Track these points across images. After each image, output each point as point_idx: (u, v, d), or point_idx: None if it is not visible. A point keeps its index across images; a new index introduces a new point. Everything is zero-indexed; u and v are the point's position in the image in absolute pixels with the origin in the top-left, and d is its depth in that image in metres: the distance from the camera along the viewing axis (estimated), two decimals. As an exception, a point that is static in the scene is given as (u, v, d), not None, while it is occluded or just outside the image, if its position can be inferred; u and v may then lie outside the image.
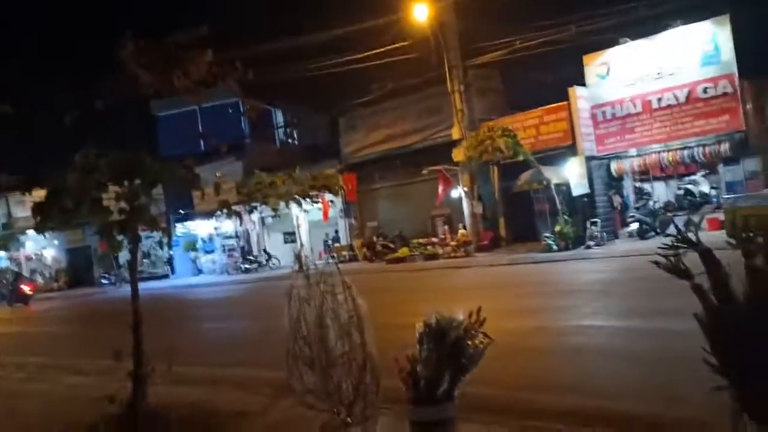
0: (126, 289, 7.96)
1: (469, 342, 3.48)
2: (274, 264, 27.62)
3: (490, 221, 23.15)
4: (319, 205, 25.17)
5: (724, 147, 17.86)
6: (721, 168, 18.69)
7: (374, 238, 24.86)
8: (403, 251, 22.36)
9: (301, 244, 26.95)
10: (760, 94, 18.67)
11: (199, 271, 30.50)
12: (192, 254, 31.02)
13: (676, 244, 2.62)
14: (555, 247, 18.32)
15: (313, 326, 3.36)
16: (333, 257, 23.10)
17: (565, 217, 18.66)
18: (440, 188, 22.74)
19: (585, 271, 13.80)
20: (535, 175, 19.49)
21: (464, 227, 22.10)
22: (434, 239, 22.98)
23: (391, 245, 23.71)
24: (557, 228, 18.64)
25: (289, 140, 37.70)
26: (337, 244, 27.53)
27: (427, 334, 3.54)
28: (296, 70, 23.91)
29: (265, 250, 28.76)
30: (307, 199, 23.60)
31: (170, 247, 29.38)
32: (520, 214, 21.98)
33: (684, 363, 2.74)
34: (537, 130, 20.76)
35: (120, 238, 4.47)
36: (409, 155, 24.76)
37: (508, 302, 10.08)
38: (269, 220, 29.02)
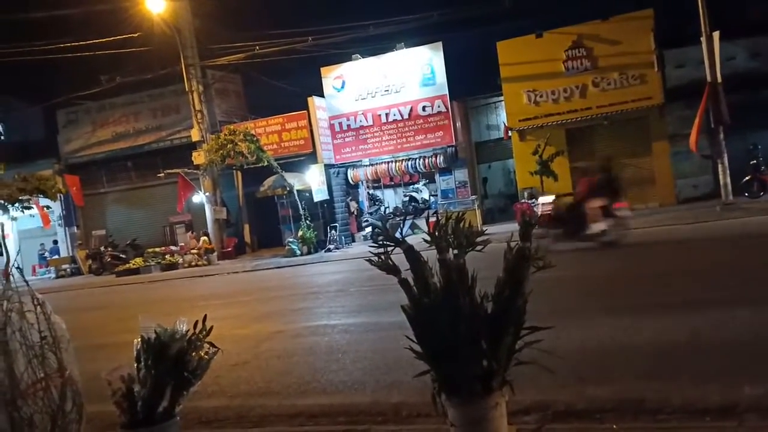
0: None
1: (194, 354, 3.29)
2: (-32, 283, 22.90)
3: (235, 227, 22.75)
4: (33, 211, 21.72)
5: (440, 159, 20.45)
6: (437, 177, 21.35)
7: (102, 249, 22.41)
8: (137, 261, 20.58)
9: (8, 258, 22.88)
10: (467, 114, 21.89)
11: None
12: None
13: (385, 242, 2.81)
14: (298, 252, 18.79)
15: (-5, 354, 2.78)
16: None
17: (308, 222, 19.28)
18: (180, 193, 21.55)
19: (325, 273, 14.42)
20: (279, 181, 19.77)
21: (206, 234, 21.29)
22: (173, 247, 21.69)
23: (122, 255, 21.64)
24: (300, 233, 19.16)
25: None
26: (55, 257, 24.10)
27: (146, 350, 3.23)
28: (4, 51, 20.26)
29: (-45, 267, 23.71)
30: (17, 205, 20.13)
31: None
32: (265, 220, 22.10)
33: (400, 352, 2.95)
34: (279, 137, 21.09)
35: None
36: (144, 156, 23.02)
37: (249, 308, 9.97)
38: (-38, 229, 24.01)
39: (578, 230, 10.78)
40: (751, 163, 16.09)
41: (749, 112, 15.72)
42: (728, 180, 14.96)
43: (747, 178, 16.08)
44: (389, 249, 2.81)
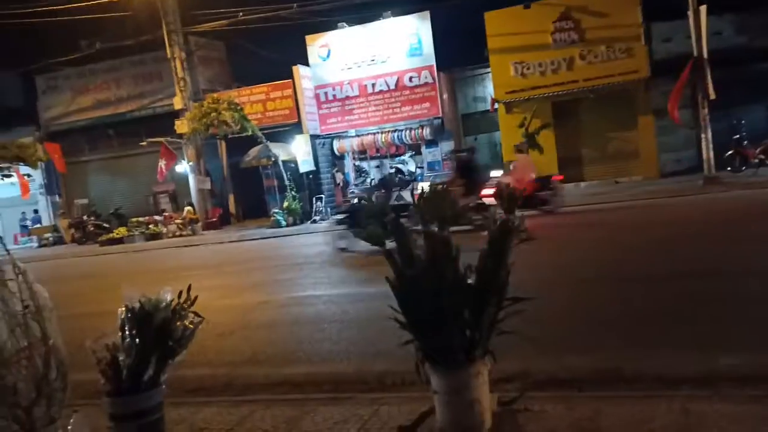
0: None
1: (178, 323, 3.30)
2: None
3: (219, 197, 22.62)
4: (13, 179, 21.40)
5: (426, 131, 20.36)
6: (424, 149, 21.29)
7: (84, 218, 22.20)
8: (120, 231, 20.43)
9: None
10: (453, 86, 21.74)
11: None
12: None
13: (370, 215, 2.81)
14: (284, 223, 18.75)
15: (-23, 323, 2.76)
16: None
17: (293, 193, 19.21)
18: (163, 162, 21.29)
19: (310, 244, 14.41)
20: (264, 151, 19.60)
21: (191, 204, 21.14)
22: (157, 217, 21.52)
23: (106, 225, 21.46)
24: (286, 204, 19.09)
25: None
26: (37, 226, 23.85)
27: (130, 319, 3.24)
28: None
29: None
30: (-4, 173, 19.84)
31: None
32: (250, 190, 21.97)
33: (385, 322, 2.98)
34: (264, 106, 20.83)
35: None
36: (125, 124, 22.67)
37: (235, 279, 9.97)
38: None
39: None
40: (734, 137, 16.24)
41: (734, 87, 15.80)
42: (711, 154, 15.10)
43: (730, 152, 16.25)
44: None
